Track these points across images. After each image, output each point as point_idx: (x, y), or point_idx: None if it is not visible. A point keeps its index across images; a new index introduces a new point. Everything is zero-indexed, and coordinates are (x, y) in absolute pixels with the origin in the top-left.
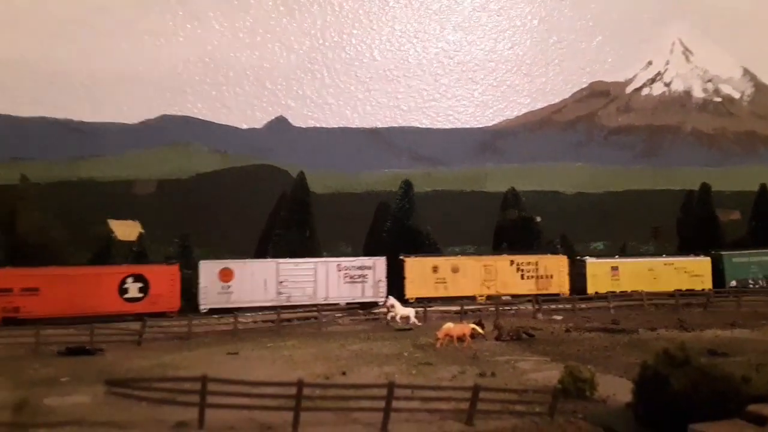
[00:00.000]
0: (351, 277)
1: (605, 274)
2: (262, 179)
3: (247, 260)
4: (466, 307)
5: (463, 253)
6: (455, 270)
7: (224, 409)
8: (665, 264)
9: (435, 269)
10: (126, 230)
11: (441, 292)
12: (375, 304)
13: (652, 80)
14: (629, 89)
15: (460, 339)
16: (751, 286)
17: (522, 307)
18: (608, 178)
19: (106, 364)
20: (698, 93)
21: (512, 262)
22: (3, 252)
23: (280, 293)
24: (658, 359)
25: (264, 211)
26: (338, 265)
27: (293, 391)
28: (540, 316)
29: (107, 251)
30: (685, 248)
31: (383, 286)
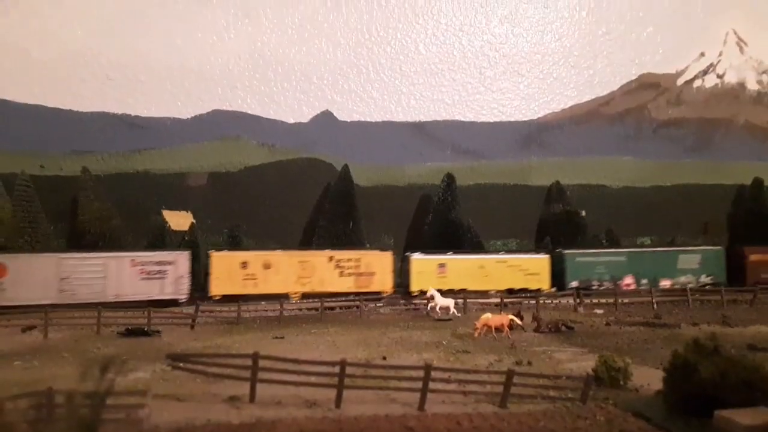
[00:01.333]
0: (148, 273)
1: (431, 271)
2: (307, 172)
3: (22, 254)
4: (506, 300)
5: (505, 247)
6: (267, 266)
7: (273, 384)
8: (497, 261)
9: (244, 265)
10: (179, 220)
11: (250, 290)
12: (175, 303)
13: (705, 72)
14: (680, 81)
15: (498, 329)
16: (594, 287)
17: (563, 300)
18: (657, 172)
19: (163, 344)
20: (752, 85)
21: (331, 258)
22: (66, 239)
23: (62, 290)
24: (687, 348)
25: (309, 203)
26: (132, 260)
27: (337, 370)
28: (581, 309)
29: (162, 240)
30: (736, 243)
31: (185, 283)
